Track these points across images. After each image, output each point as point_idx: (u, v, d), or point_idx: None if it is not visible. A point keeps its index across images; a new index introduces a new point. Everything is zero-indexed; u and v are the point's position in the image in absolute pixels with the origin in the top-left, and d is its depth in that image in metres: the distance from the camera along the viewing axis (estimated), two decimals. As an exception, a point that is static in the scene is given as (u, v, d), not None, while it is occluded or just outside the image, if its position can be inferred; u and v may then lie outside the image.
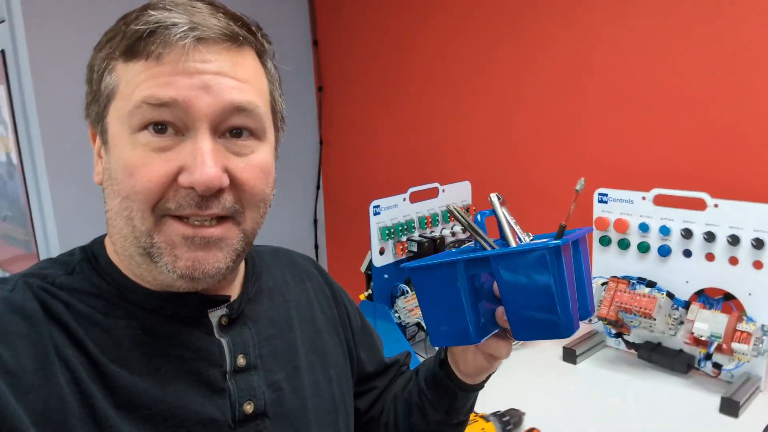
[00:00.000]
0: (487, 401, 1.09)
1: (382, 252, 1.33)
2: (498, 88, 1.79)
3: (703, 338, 1.12)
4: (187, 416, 0.53)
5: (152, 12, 0.49)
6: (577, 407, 1.14)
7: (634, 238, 1.30)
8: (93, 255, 0.57)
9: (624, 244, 1.31)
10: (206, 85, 0.49)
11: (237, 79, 0.51)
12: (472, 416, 1.05)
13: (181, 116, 0.49)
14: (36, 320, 0.50)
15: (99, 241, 0.59)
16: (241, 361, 0.58)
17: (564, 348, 1.34)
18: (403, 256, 1.37)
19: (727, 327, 1.10)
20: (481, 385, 0.72)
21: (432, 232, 1.44)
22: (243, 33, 0.52)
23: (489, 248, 0.58)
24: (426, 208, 1.43)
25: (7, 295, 0.50)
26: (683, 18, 1.38)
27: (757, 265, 1.12)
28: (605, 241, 1.35)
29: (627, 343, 1.33)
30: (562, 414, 1.11)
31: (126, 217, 0.51)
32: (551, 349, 1.38)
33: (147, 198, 0.50)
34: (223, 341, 0.58)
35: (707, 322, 1.12)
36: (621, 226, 1.30)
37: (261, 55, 0.56)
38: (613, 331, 1.31)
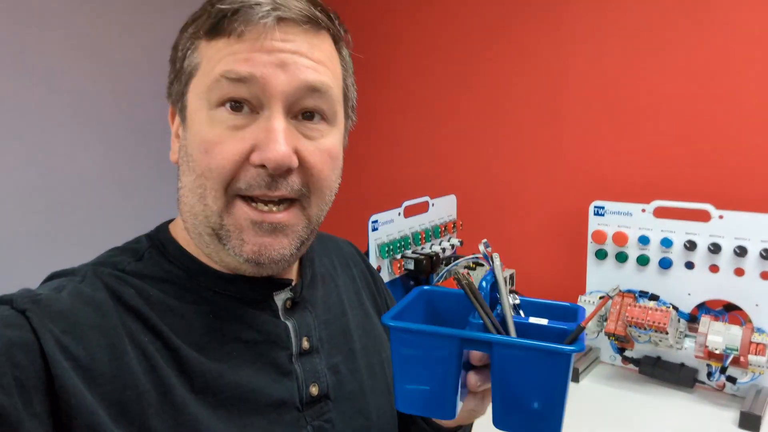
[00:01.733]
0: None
1: (378, 270, 1.23)
2: (489, 99, 1.75)
3: (717, 351, 1.11)
4: (259, 399, 0.54)
5: None
6: (592, 426, 1.09)
7: (633, 251, 1.28)
8: (160, 242, 0.57)
9: (622, 257, 1.29)
10: (283, 63, 0.50)
11: (313, 59, 0.52)
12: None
13: (257, 93, 0.50)
14: (107, 310, 0.50)
15: (164, 228, 0.59)
16: (305, 343, 0.59)
17: (565, 366, 1.29)
18: (400, 275, 1.28)
19: (743, 339, 1.09)
20: (466, 428, 0.70)
21: (423, 248, 1.36)
22: (322, 17, 0.53)
23: (494, 329, 0.51)
24: (418, 223, 1.35)
25: (77, 287, 0.50)
26: (686, 25, 1.40)
27: (765, 275, 1.13)
28: (601, 255, 1.32)
29: (625, 358, 1.30)
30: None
31: (200, 195, 0.51)
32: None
33: (221, 176, 0.50)
34: (289, 324, 0.59)
35: (721, 335, 1.11)
36: (620, 239, 1.28)
37: (337, 41, 0.56)
38: (618, 346, 1.28)
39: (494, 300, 0.55)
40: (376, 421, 0.64)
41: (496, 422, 0.50)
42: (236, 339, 0.55)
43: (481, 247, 0.57)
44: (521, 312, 0.57)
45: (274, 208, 0.52)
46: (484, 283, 0.54)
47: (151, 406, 0.48)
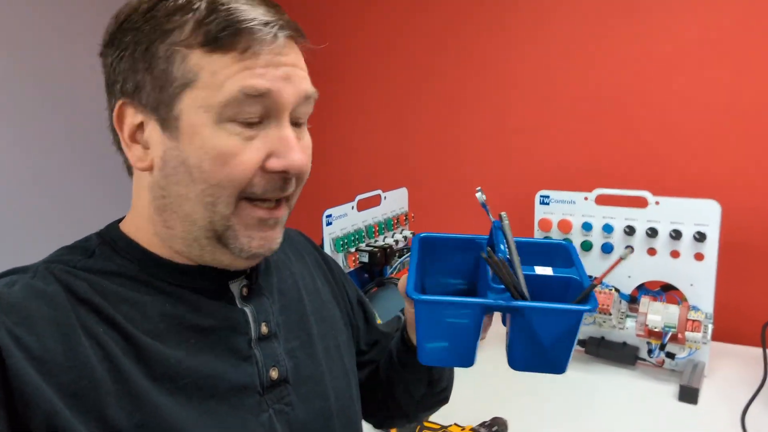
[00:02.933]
0: (469, 415, 1.05)
1: (333, 264, 1.23)
2: (438, 95, 1.78)
3: (657, 329, 1.17)
4: (219, 384, 0.55)
5: (232, 4, 0.52)
6: (541, 407, 1.13)
7: (577, 238, 1.33)
8: (111, 238, 0.58)
9: (567, 244, 1.34)
10: (288, 76, 0.54)
11: (303, 69, 0.56)
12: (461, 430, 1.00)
13: (270, 105, 0.53)
14: (59, 302, 0.50)
15: (114, 226, 0.60)
16: (264, 328, 0.61)
17: (516, 351, 1.34)
18: (355, 267, 1.29)
19: (680, 317, 1.16)
20: None
21: (376, 241, 1.38)
22: (299, 28, 0.57)
23: (517, 295, 0.56)
24: (371, 216, 1.36)
25: (29, 282, 0.51)
26: (623, 18, 1.46)
27: (698, 257, 1.20)
28: (548, 242, 1.37)
29: (572, 340, 1.35)
30: (531, 415, 1.09)
31: (208, 203, 0.53)
32: (498, 352, 1.37)
33: (240, 184, 0.53)
34: (247, 310, 0.60)
35: (660, 314, 1.17)
36: (564, 226, 1.33)
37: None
38: (565, 330, 1.34)
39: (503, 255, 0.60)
40: (334, 402, 0.66)
41: (512, 364, 0.57)
42: (194, 326, 0.56)
43: (479, 195, 0.62)
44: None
45: (272, 206, 0.56)
46: (503, 246, 0.59)
47: (109, 395, 0.49)
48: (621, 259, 0.58)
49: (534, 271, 0.60)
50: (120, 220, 0.61)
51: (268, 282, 0.66)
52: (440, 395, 0.79)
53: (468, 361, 0.57)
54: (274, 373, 0.60)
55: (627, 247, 0.59)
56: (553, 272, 0.61)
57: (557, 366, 0.56)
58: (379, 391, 0.79)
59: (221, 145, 0.52)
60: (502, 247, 0.59)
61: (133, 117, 0.54)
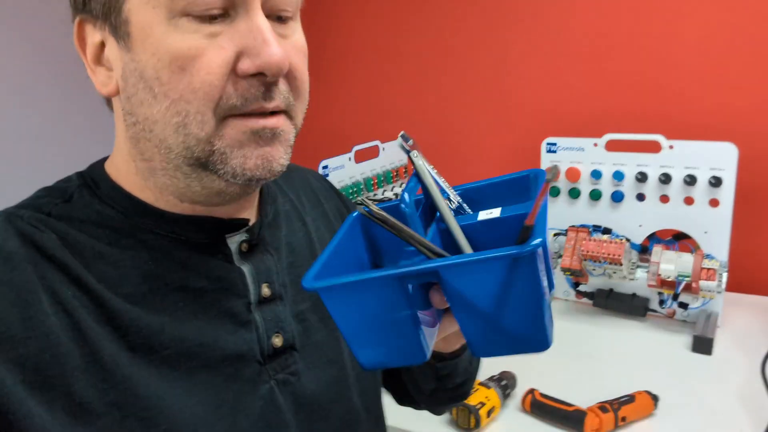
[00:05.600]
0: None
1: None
2: (437, 41, 1.69)
3: (670, 279, 1.12)
4: (210, 354, 0.48)
5: None
6: (551, 360, 1.09)
7: (585, 186, 1.28)
8: (93, 179, 0.50)
9: (575, 193, 1.29)
10: None
11: None
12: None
13: None
14: (18, 261, 0.43)
15: (98, 166, 0.52)
16: (265, 290, 0.53)
17: (522, 305, 1.29)
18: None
19: (695, 266, 1.11)
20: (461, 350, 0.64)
21: (375, 194, 1.32)
22: None
23: (430, 253, 0.42)
24: (369, 168, 1.30)
25: None
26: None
27: (714, 203, 1.15)
28: (554, 192, 1.31)
29: (579, 293, 1.31)
30: (543, 370, 1.06)
31: (177, 125, 0.43)
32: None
33: (208, 95, 0.43)
34: (245, 269, 0.52)
35: (673, 263, 1.12)
36: (572, 175, 1.27)
37: None
38: (573, 281, 1.29)
39: (433, 207, 0.47)
40: (351, 370, 0.59)
41: (476, 351, 0.43)
42: (181, 288, 0.48)
43: (399, 141, 0.46)
44: (466, 208, 0.48)
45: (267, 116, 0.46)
46: (406, 195, 0.44)
47: (77, 370, 0.42)
48: (548, 182, 0.40)
49: (477, 218, 0.46)
50: (105, 159, 0.53)
51: (275, 235, 0.57)
52: (456, 391, 0.68)
53: (414, 355, 0.43)
54: (277, 340, 0.53)
55: (549, 168, 0.40)
56: (501, 214, 0.45)
57: (532, 340, 0.41)
58: (394, 371, 0.71)
59: (176, 46, 0.42)
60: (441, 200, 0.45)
61: (92, 35, 0.46)
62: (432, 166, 0.48)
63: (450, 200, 0.49)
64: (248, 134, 0.45)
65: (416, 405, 0.75)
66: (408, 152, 0.47)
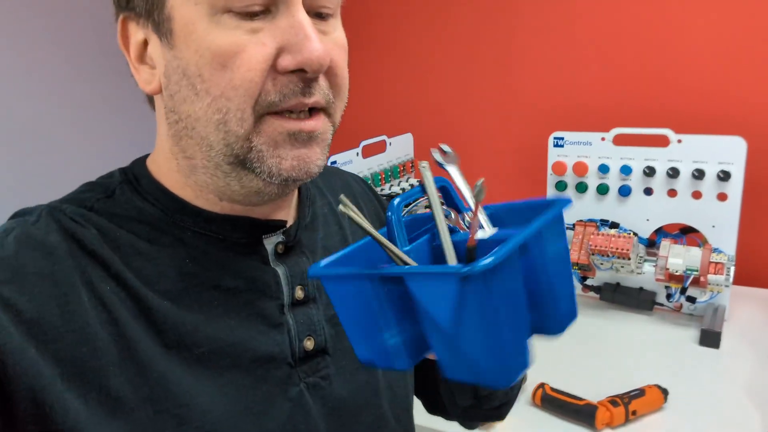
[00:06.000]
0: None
1: (340, 213, 1.18)
2: (443, 36, 1.68)
3: (678, 273, 1.13)
4: (242, 354, 0.48)
5: None
6: (558, 353, 1.10)
7: (593, 181, 1.28)
8: (134, 176, 0.51)
9: (582, 188, 1.29)
10: None
11: None
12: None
13: None
14: (60, 255, 0.44)
15: (140, 162, 0.52)
16: (299, 293, 0.53)
17: (529, 299, 1.30)
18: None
19: (703, 260, 1.11)
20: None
21: (383, 189, 1.32)
22: None
23: (399, 261, 0.41)
24: (376, 163, 1.30)
25: (27, 230, 0.44)
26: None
27: (722, 197, 1.15)
28: (561, 186, 1.31)
29: (586, 286, 1.31)
30: (552, 364, 1.06)
31: (218, 122, 0.43)
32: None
33: (248, 92, 0.42)
34: (280, 271, 0.52)
35: (681, 257, 1.13)
36: (580, 169, 1.27)
37: None
38: (580, 275, 1.29)
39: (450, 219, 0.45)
40: (382, 377, 0.58)
41: (443, 371, 0.39)
42: (216, 287, 0.48)
43: (425, 171, 0.42)
44: (486, 227, 0.45)
45: (303, 116, 0.46)
46: (395, 201, 0.43)
47: (113, 364, 0.43)
48: (478, 202, 0.38)
49: (465, 237, 0.43)
50: (147, 155, 0.53)
51: (311, 238, 0.57)
52: (492, 412, 0.67)
53: (394, 360, 0.41)
54: (309, 343, 0.52)
55: (474, 185, 0.37)
56: (491, 236, 0.43)
57: (488, 372, 0.37)
58: (429, 380, 0.70)
59: (218, 43, 0.42)
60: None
61: (136, 33, 0.46)
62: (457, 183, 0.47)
63: (457, 217, 0.47)
64: (284, 135, 0.45)
65: (447, 416, 0.75)
66: (441, 164, 0.47)
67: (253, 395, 0.48)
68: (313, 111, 0.46)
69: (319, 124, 0.46)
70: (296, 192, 0.58)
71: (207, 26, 0.42)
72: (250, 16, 0.42)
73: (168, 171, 0.50)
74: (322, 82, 0.45)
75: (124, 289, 0.45)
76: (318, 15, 0.46)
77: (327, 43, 0.45)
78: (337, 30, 0.48)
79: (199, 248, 0.49)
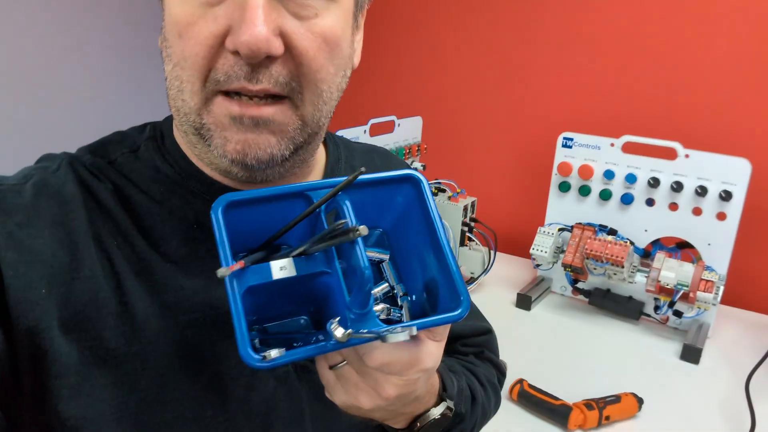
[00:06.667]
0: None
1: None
2: (460, 23, 1.67)
3: (668, 286, 1.14)
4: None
5: None
6: (541, 352, 1.11)
7: (597, 185, 1.28)
8: (161, 133, 0.52)
9: (585, 191, 1.29)
10: None
11: None
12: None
13: None
14: (74, 206, 0.45)
15: (169, 120, 0.52)
16: None
17: (518, 294, 1.31)
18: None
19: (695, 276, 1.12)
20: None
21: (387, 169, 1.32)
22: None
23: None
24: (383, 142, 1.30)
25: (46, 177, 0.46)
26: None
27: (721, 216, 1.15)
28: (565, 187, 1.32)
29: (576, 289, 1.32)
30: (534, 362, 1.07)
31: (177, 89, 0.44)
32: (503, 295, 1.35)
33: (195, 65, 0.42)
34: None
35: (674, 271, 1.13)
36: (585, 172, 1.27)
37: None
38: (573, 278, 1.30)
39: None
40: None
41: None
42: (217, 256, 0.49)
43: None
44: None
45: (256, 101, 0.44)
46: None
47: (110, 316, 0.44)
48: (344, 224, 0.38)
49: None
50: None
51: None
52: None
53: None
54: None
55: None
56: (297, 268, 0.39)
57: None
58: None
59: (177, 12, 0.42)
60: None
61: None
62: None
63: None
64: (228, 119, 0.43)
65: None
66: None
67: (239, 369, 0.48)
68: (275, 98, 0.44)
69: (273, 112, 0.44)
70: (321, 165, 0.58)
71: None
72: None
73: (176, 129, 0.51)
74: (280, 68, 0.43)
75: (129, 247, 0.46)
76: None
77: (292, 27, 0.42)
78: (323, 15, 0.44)
79: (206, 215, 0.48)
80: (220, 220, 0.37)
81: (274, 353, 0.35)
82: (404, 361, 0.40)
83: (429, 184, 0.43)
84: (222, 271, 0.35)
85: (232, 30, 0.41)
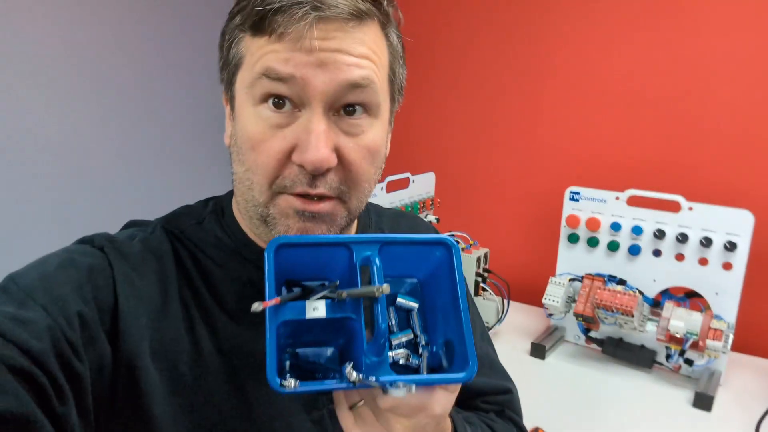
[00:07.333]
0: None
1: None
2: (470, 83, 1.76)
3: (678, 335, 1.17)
4: None
5: None
6: (555, 400, 1.14)
7: (605, 237, 1.33)
8: (221, 208, 0.63)
9: (593, 242, 1.34)
10: (323, 63, 0.50)
11: (356, 55, 0.51)
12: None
13: (298, 92, 0.50)
14: (166, 261, 0.57)
15: (228, 196, 0.63)
16: None
17: (533, 343, 1.34)
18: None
19: (703, 325, 1.15)
20: None
21: (402, 223, 1.38)
22: (367, 7, 0.52)
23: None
24: (398, 198, 1.37)
25: (147, 237, 0.59)
26: (666, 21, 1.43)
27: (727, 266, 1.19)
28: (574, 239, 1.37)
29: (590, 338, 1.36)
30: (549, 410, 1.10)
31: (247, 187, 0.54)
32: (517, 344, 1.39)
33: (265, 173, 0.52)
34: None
35: (683, 320, 1.17)
36: (593, 224, 1.33)
37: (384, 26, 0.56)
38: (585, 327, 1.34)
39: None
40: None
41: None
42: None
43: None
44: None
45: (315, 199, 0.53)
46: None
47: (184, 352, 0.54)
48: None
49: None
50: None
51: None
52: None
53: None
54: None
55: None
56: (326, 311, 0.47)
57: None
58: None
59: (251, 129, 0.52)
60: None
61: (226, 97, 0.58)
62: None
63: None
64: (293, 210, 0.53)
65: None
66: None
67: (280, 412, 0.56)
68: (325, 197, 0.53)
69: (327, 208, 0.53)
70: (353, 230, 0.68)
71: (249, 113, 0.53)
72: (280, 110, 0.51)
73: (236, 208, 0.61)
74: (334, 176, 0.53)
75: (199, 298, 0.57)
76: (350, 111, 0.53)
77: (344, 144, 0.52)
78: (368, 131, 0.54)
79: (256, 278, 0.59)
80: (271, 258, 0.45)
81: (291, 383, 0.43)
82: (413, 406, 0.47)
83: (460, 251, 0.52)
84: (255, 306, 0.43)
85: (299, 148, 0.51)
